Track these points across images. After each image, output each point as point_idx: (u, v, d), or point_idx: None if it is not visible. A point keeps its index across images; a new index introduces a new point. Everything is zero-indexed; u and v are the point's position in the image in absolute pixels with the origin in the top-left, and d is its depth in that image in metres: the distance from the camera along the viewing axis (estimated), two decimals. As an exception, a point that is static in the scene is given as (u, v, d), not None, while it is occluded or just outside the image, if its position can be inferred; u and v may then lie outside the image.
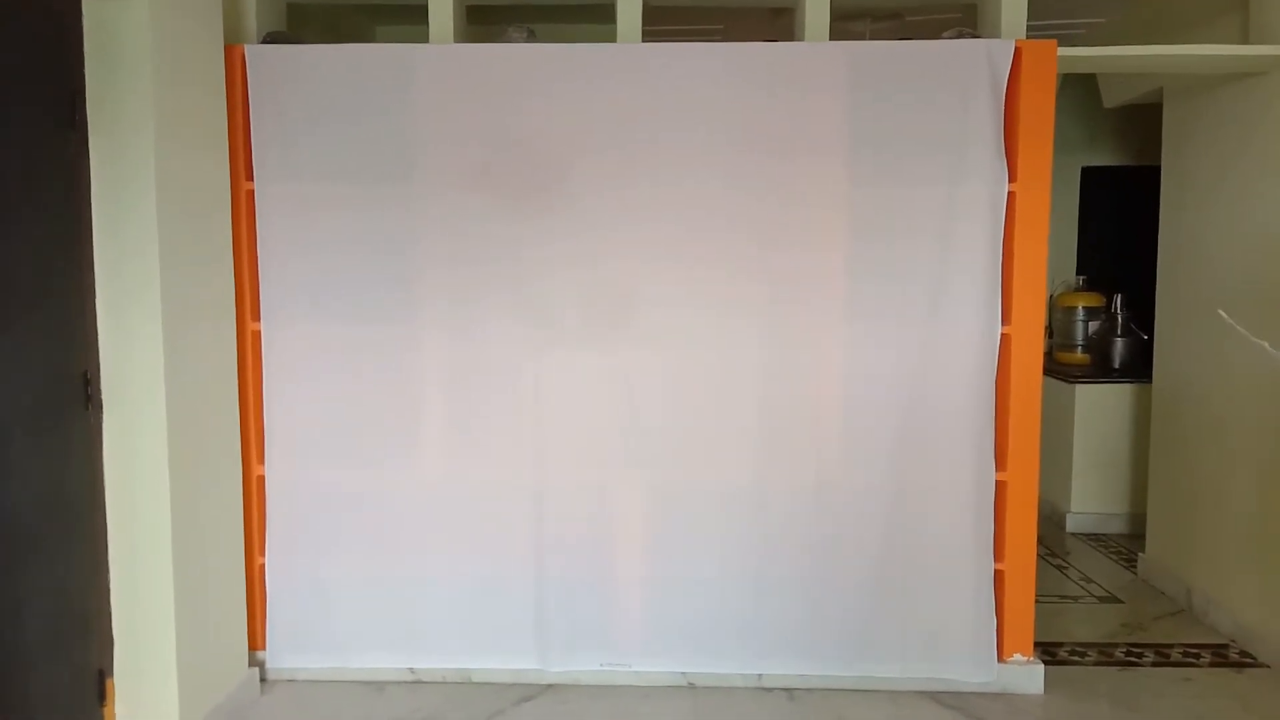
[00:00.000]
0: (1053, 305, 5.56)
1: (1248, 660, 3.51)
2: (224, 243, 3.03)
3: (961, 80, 3.04)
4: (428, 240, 3.16)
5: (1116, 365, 5.21)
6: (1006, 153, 3.07)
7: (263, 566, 3.25)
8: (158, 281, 2.63)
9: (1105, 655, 3.56)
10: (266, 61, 3.10)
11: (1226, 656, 3.55)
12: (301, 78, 3.10)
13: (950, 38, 3.12)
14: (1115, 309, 5.29)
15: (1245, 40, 3.62)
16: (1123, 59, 3.37)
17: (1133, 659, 3.53)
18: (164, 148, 2.64)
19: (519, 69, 3.11)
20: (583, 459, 3.22)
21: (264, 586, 3.26)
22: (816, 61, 3.09)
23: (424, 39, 3.26)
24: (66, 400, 2.54)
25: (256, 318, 3.19)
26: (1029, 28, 3.18)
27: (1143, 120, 5.45)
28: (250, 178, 3.14)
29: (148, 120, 2.59)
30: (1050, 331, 5.58)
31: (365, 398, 3.21)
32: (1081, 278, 5.80)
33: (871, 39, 3.14)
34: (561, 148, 3.13)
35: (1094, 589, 4.30)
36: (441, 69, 3.11)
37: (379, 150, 3.13)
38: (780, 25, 4.22)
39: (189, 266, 2.80)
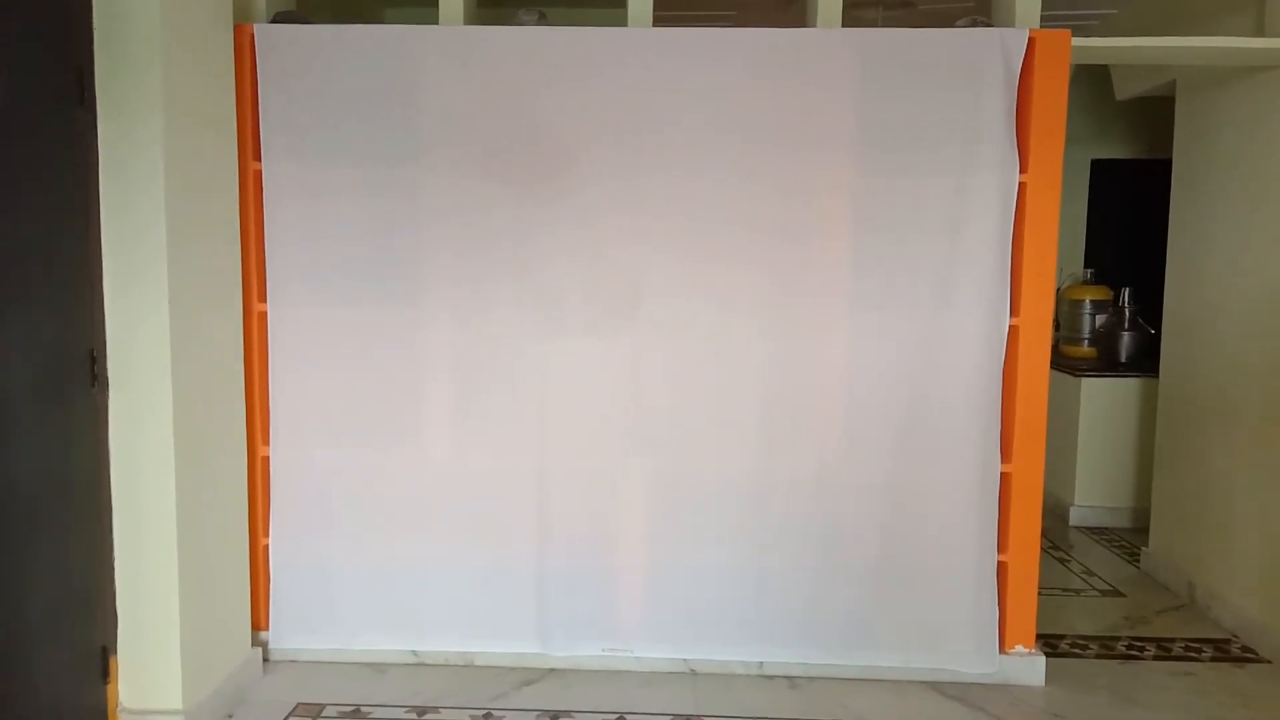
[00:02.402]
0: (1060, 298, 5.54)
1: (1249, 655, 3.51)
2: (231, 223, 3.03)
3: (974, 69, 3.02)
4: (435, 225, 3.15)
5: (1123, 359, 5.20)
6: (1017, 143, 3.05)
7: (266, 547, 3.26)
8: (165, 261, 2.63)
9: (1107, 648, 3.57)
10: (275, 41, 3.08)
11: (1228, 651, 3.55)
12: (310, 58, 3.09)
13: (963, 26, 3.10)
14: (1123, 303, 5.27)
15: (1260, 33, 3.59)
16: (1136, 50, 3.34)
17: (1134, 653, 3.53)
18: (172, 126, 2.63)
19: (529, 52, 3.09)
20: (586, 446, 3.22)
21: (267, 567, 3.26)
22: (828, 49, 3.07)
23: (434, 21, 3.24)
24: (72, 379, 2.54)
25: (263, 299, 3.18)
26: (1042, 18, 3.16)
27: (1154, 113, 5.42)
28: (258, 158, 3.13)
29: (156, 99, 2.58)
30: (1057, 324, 5.57)
31: (370, 381, 3.20)
32: (1089, 271, 5.78)
33: (884, 27, 3.11)
34: (571, 133, 3.11)
35: (1096, 582, 4.30)
36: (451, 51, 3.10)
37: (387, 132, 3.11)
38: (792, 12, 4.20)
39: (196, 246, 2.80)
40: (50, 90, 2.43)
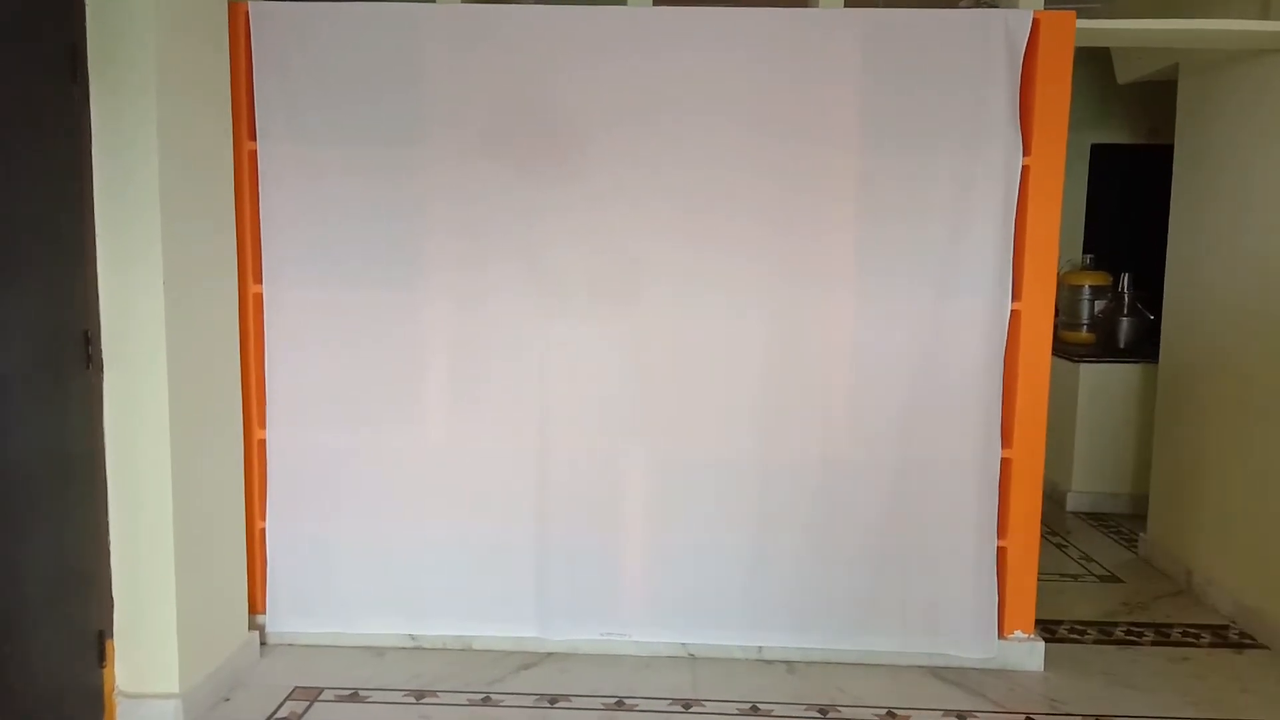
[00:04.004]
0: (1059, 284, 5.52)
1: (1247, 641, 3.52)
2: (226, 203, 3.00)
3: (978, 51, 2.99)
4: (434, 206, 3.13)
5: (1122, 345, 5.19)
6: (1021, 126, 3.02)
7: (263, 530, 3.24)
8: (159, 241, 2.60)
9: (1105, 634, 3.57)
10: (271, 19, 3.04)
11: (1226, 637, 3.55)
12: (307, 37, 3.05)
13: (968, 7, 3.07)
14: (1122, 288, 5.25)
15: (1265, 16, 3.56)
16: (1140, 32, 3.32)
17: (1132, 638, 3.53)
18: (166, 105, 2.60)
19: (530, 32, 3.06)
20: (587, 429, 3.20)
21: (264, 550, 3.25)
22: (830, 29, 3.04)
23: (432, -1, 3.20)
24: (67, 359, 2.51)
25: (258, 280, 3.15)
26: (1046, -1, 3.14)
27: (1155, 97, 5.39)
28: (253, 138, 3.10)
29: (150, 77, 2.55)
30: (1056, 310, 5.55)
31: (369, 363, 3.18)
32: (1089, 256, 5.76)
33: (887, 8, 3.08)
34: (572, 115, 3.08)
35: (1094, 568, 4.30)
36: (451, 30, 3.06)
37: (386, 112, 3.08)
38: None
39: (191, 226, 2.77)
40: (43, 68, 2.40)
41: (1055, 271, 3.10)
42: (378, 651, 3.26)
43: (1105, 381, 5.08)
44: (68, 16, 2.47)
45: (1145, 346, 5.00)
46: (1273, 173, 3.53)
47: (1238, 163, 3.76)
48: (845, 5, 3.14)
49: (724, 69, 3.05)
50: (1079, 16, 3.03)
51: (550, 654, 3.26)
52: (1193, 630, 3.61)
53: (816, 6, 3.17)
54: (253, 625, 3.22)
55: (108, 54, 2.53)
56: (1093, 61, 5.36)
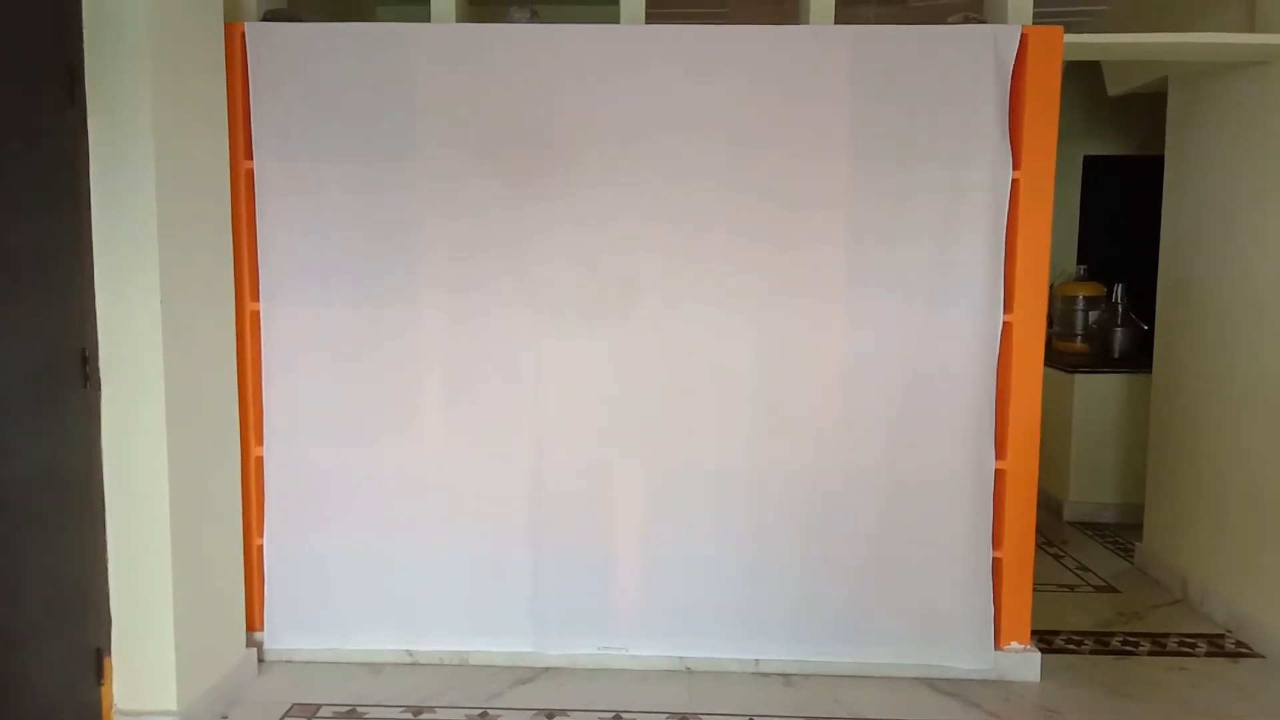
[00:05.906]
0: (1053, 295, 5.55)
1: (1243, 650, 3.52)
2: (223, 221, 3.02)
3: (967, 66, 3.02)
4: (429, 221, 3.15)
5: (1116, 355, 5.21)
6: (1010, 140, 3.05)
7: (260, 547, 3.25)
8: (156, 260, 2.62)
9: (1101, 644, 3.57)
10: (266, 40, 3.07)
11: (1222, 646, 3.56)
12: (302, 56, 3.08)
13: (956, 23, 3.10)
14: (1116, 299, 5.28)
15: (1251, 28, 3.60)
16: (1128, 46, 3.35)
17: (1129, 648, 3.54)
18: (163, 125, 2.62)
19: (522, 49, 3.09)
20: (581, 442, 3.21)
21: (262, 567, 3.26)
22: (821, 45, 3.07)
23: (426, 18, 3.23)
24: (64, 378, 2.53)
25: (255, 298, 3.17)
26: (1034, 14, 3.16)
27: (1146, 109, 5.43)
28: (250, 156, 3.12)
29: (146, 97, 2.57)
30: (1050, 321, 5.57)
31: (365, 378, 3.19)
32: (1082, 267, 5.79)
33: (876, 24, 3.11)
34: (564, 130, 3.10)
35: (1091, 578, 4.30)
36: (443, 49, 3.09)
37: (380, 130, 3.10)
38: (785, 8, 4.19)
39: (188, 245, 2.78)
40: (40, 88, 2.42)
41: (1046, 284, 3.12)
42: (375, 667, 3.26)
43: (1100, 392, 5.10)
44: (65, 38, 2.49)
45: (1139, 356, 5.02)
46: (1261, 182, 3.56)
47: (1226, 172, 3.79)
48: (834, 21, 3.18)
49: (715, 85, 3.07)
50: (1066, 30, 3.05)
51: (547, 669, 3.26)
52: (1189, 639, 3.61)
53: (806, 23, 3.21)
54: (250, 642, 3.22)
55: (105, 75, 2.55)
56: (1084, 73, 5.41)
